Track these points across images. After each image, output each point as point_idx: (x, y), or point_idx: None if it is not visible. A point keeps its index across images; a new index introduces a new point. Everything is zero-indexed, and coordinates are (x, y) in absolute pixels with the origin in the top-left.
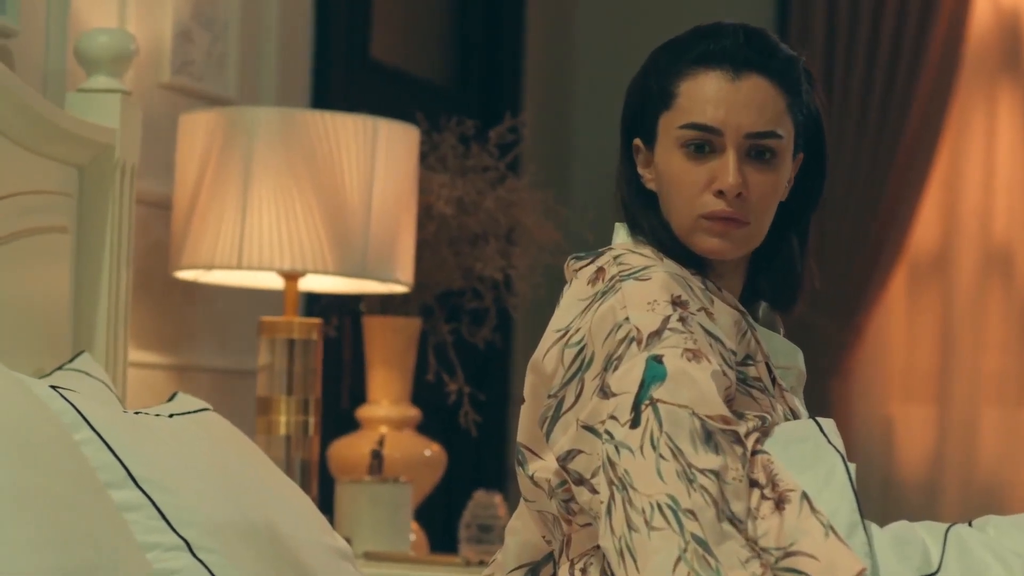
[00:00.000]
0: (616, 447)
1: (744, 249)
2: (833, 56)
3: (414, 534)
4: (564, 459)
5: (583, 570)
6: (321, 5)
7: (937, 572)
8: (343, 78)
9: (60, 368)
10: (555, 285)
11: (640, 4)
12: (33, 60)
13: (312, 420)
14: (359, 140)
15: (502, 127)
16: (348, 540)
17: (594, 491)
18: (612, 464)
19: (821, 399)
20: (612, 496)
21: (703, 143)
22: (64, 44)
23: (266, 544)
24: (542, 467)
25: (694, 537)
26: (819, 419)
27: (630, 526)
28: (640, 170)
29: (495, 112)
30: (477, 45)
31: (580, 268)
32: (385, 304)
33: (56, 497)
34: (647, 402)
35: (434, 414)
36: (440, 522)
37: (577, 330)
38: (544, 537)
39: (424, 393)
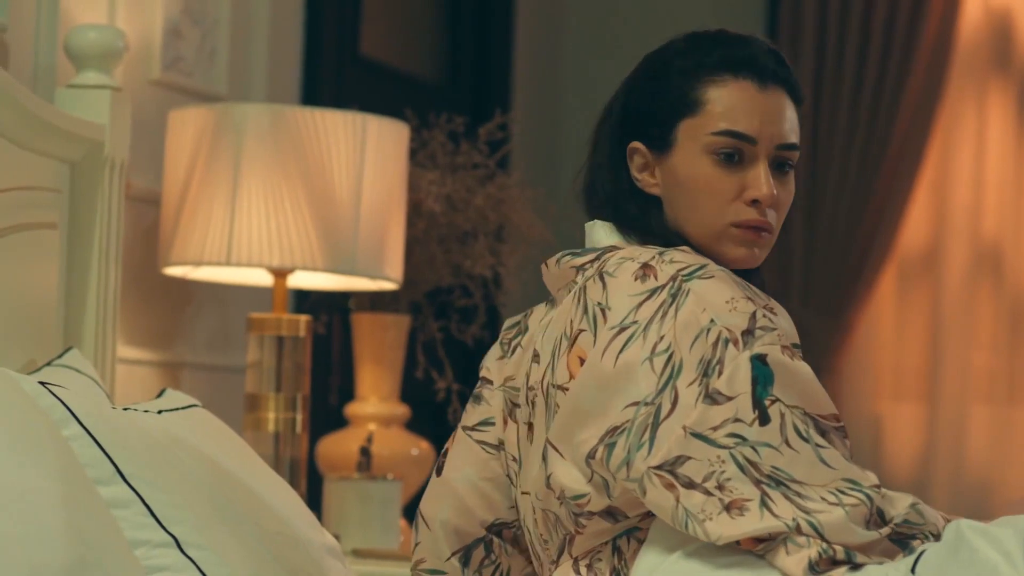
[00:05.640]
0: (753, 447)
1: (763, 258)
2: (823, 54)
3: (402, 532)
4: (673, 464)
5: (588, 566)
6: (311, 1)
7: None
8: (333, 75)
9: (49, 364)
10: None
11: (629, 2)
12: (23, 56)
13: (300, 417)
14: (348, 137)
15: (492, 124)
16: (337, 537)
17: (708, 494)
18: (753, 464)
19: None
20: (765, 494)
21: (735, 151)
22: (54, 40)
23: (255, 541)
24: (564, 472)
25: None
26: None
27: (807, 512)
28: (637, 174)
29: (485, 109)
30: (467, 42)
31: (583, 264)
32: (374, 301)
33: (44, 493)
34: (771, 399)
35: (423, 411)
36: None
37: (661, 338)
38: (541, 535)
39: (413, 390)
